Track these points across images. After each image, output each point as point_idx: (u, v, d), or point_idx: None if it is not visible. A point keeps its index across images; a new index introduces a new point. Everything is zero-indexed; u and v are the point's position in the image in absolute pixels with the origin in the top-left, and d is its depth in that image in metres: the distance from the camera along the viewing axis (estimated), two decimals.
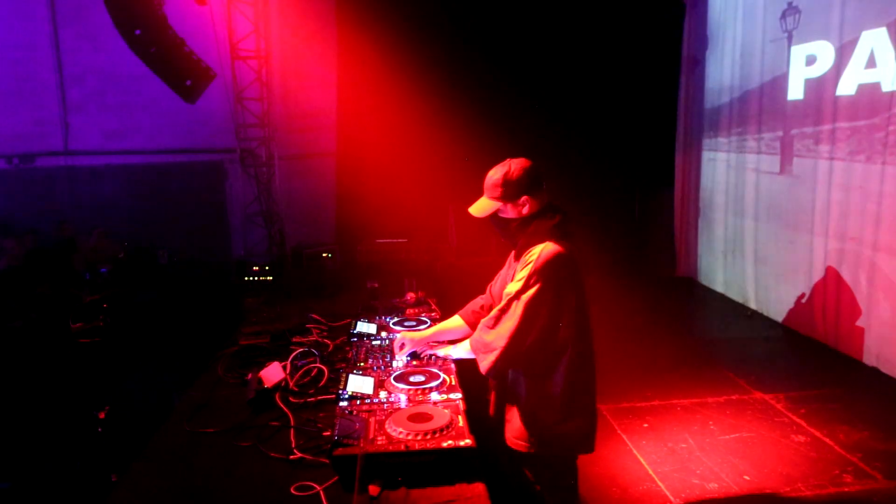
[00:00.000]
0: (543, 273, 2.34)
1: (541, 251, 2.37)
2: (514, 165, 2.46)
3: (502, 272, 2.77)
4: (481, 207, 2.51)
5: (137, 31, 6.71)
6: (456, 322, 2.93)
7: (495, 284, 2.81)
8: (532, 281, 2.35)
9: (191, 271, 9.25)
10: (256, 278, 8.22)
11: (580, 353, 2.45)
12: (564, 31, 8.63)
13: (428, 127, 8.35)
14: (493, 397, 2.69)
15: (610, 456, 4.12)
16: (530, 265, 2.37)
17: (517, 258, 2.54)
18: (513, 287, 2.41)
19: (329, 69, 8.91)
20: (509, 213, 2.49)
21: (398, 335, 2.95)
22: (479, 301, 2.90)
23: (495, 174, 2.48)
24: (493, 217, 2.54)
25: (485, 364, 2.43)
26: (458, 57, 8.61)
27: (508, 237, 2.56)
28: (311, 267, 8.09)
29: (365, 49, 8.45)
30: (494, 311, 2.46)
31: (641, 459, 4.12)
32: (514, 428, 2.52)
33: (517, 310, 2.36)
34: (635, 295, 7.81)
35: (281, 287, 5.74)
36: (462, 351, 2.69)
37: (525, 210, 2.47)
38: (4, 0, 8.74)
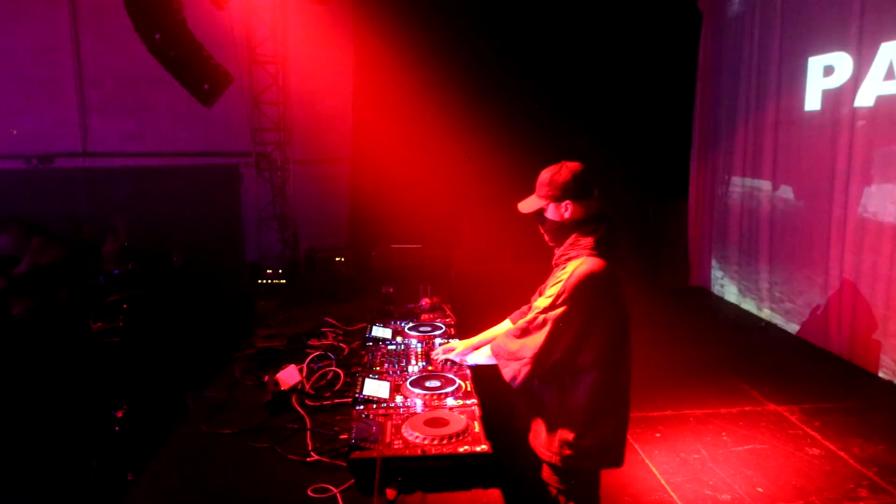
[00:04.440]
0: (573, 294, 2.29)
1: (574, 269, 2.32)
2: (564, 168, 2.43)
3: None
4: (527, 204, 2.51)
5: (157, 36, 6.77)
6: (507, 326, 2.89)
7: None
8: (560, 300, 2.31)
9: (205, 274, 9.32)
10: (270, 281, 8.27)
11: (610, 371, 2.41)
12: (580, 40, 8.64)
13: (443, 133, 8.38)
14: (519, 403, 2.68)
15: (622, 466, 4.09)
16: (560, 283, 2.32)
17: (553, 265, 2.51)
18: (542, 302, 2.38)
19: (345, 74, 8.98)
20: (552, 214, 2.45)
21: (450, 342, 2.93)
22: (525, 308, 2.86)
23: (546, 174, 2.46)
24: (538, 216, 2.51)
25: (507, 372, 2.42)
26: (473, 63, 8.64)
27: (548, 238, 2.52)
28: (325, 271, 8.13)
29: (381, 55, 8.50)
30: (522, 322, 2.44)
31: (654, 469, 4.10)
32: (540, 438, 2.52)
33: (544, 327, 2.33)
34: (648, 304, 7.77)
35: (294, 291, 5.77)
36: (482, 357, 2.68)
37: (567, 215, 2.42)
38: (27, 4, 8.88)
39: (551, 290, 2.36)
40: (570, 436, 2.43)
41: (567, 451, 2.45)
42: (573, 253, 2.39)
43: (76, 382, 7.18)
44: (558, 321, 2.30)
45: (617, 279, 2.38)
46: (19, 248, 7.62)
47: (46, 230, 8.15)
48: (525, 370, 2.36)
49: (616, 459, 2.53)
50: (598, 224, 2.42)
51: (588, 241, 2.38)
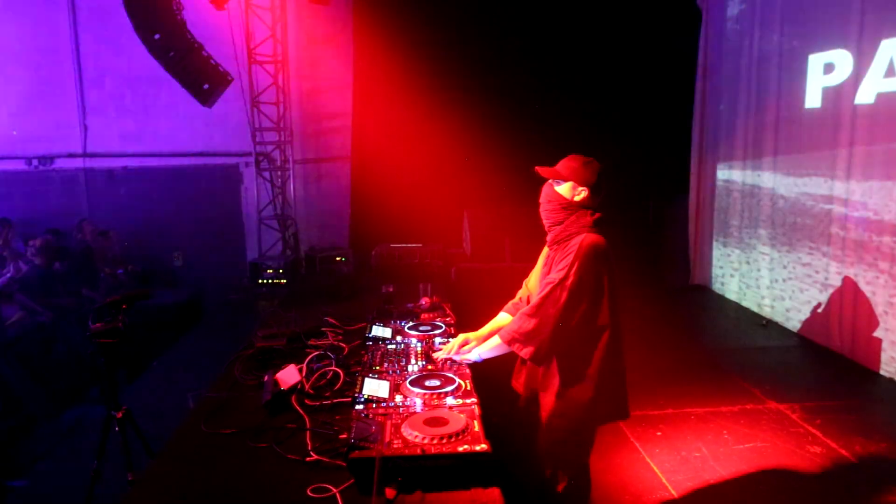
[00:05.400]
0: (585, 261, 2.51)
1: (581, 241, 2.54)
2: (595, 163, 2.66)
3: (537, 266, 2.89)
4: (547, 170, 2.68)
5: (157, 36, 6.78)
6: (505, 319, 3.00)
7: (531, 279, 2.95)
8: (575, 269, 2.51)
9: (205, 274, 9.33)
10: (270, 281, 8.28)
11: (615, 334, 2.60)
12: (580, 39, 8.64)
13: (443, 132, 8.37)
14: (524, 375, 2.81)
15: (623, 464, 4.10)
16: (572, 254, 2.53)
17: (552, 245, 2.71)
18: (556, 276, 2.55)
19: (345, 74, 8.98)
20: (564, 191, 2.65)
21: (463, 335, 2.96)
22: (515, 299, 3.03)
23: (576, 159, 2.65)
24: (546, 188, 2.70)
25: (526, 351, 2.56)
26: (473, 63, 8.63)
27: (547, 213, 2.69)
28: (325, 271, 8.14)
29: (381, 54, 8.50)
30: (535, 300, 2.58)
31: (655, 468, 4.10)
32: (546, 404, 2.65)
33: (561, 296, 2.51)
34: (649, 303, 7.77)
35: (294, 291, 5.77)
36: (492, 348, 2.74)
37: (577, 199, 2.63)
38: (27, 5, 8.88)
39: (564, 262, 2.55)
40: (581, 401, 2.58)
41: (575, 415, 2.59)
42: (574, 230, 2.61)
43: (77, 382, 7.19)
44: (574, 287, 2.51)
45: (612, 254, 2.61)
46: (6, 250, 7.63)
47: (51, 231, 8.17)
48: (544, 342, 2.53)
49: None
50: (595, 211, 2.66)
51: (586, 220, 2.62)
